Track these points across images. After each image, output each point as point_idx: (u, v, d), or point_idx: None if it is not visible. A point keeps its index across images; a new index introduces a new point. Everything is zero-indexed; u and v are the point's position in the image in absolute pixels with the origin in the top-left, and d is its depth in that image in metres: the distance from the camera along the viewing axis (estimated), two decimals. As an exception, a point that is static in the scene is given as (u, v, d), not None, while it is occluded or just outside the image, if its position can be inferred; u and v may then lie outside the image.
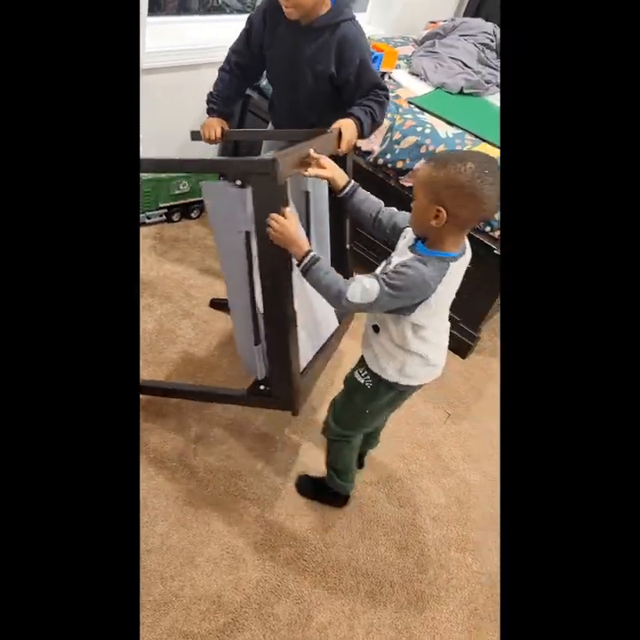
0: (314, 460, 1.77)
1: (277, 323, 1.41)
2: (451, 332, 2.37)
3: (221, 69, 1.85)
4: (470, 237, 2.12)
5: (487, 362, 2.40)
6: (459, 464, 1.94)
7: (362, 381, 1.38)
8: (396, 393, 1.38)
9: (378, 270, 1.25)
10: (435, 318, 1.24)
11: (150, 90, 2.29)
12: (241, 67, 1.82)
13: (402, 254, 1.21)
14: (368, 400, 1.40)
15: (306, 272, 1.22)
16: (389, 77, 2.61)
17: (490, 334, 2.53)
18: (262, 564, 1.50)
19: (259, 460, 1.74)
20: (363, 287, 1.15)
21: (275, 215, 1.24)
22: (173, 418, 1.78)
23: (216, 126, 1.83)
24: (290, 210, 1.28)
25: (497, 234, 2.12)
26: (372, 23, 3.24)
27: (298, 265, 1.23)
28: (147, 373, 1.88)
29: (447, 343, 1.37)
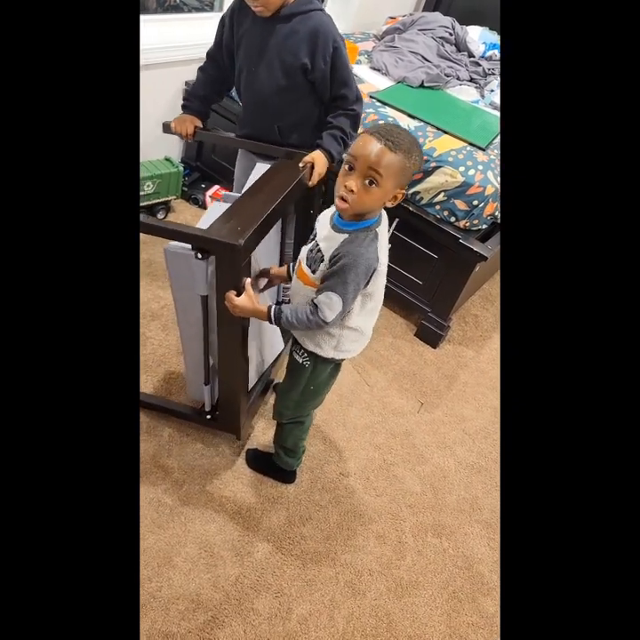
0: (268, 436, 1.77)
1: (231, 369, 1.48)
2: (421, 323, 2.43)
3: (200, 69, 1.84)
4: (436, 228, 2.18)
5: (457, 351, 2.43)
6: (433, 452, 1.96)
7: (300, 361, 1.40)
8: (334, 366, 1.42)
9: (303, 255, 1.29)
10: (375, 288, 1.25)
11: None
12: (217, 68, 1.80)
13: (329, 239, 1.22)
14: (310, 378, 1.42)
15: (278, 324, 1.27)
16: (350, 72, 2.62)
17: (460, 323, 2.57)
18: (240, 561, 1.50)
19: (233, 456, 1.74)
20: (328, 305, 1.18)
21: (229, 296, 1.27)
22: (145, 419, 1.76)
23: (188, 124, 1.81)
24: (249, 282, 1.29)
25: (462, 223, 2.15)
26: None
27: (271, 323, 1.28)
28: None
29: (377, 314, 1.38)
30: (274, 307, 1.26)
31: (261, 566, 1.51)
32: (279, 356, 1.94)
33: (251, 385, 1.71)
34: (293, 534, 1.60)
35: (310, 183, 1.67)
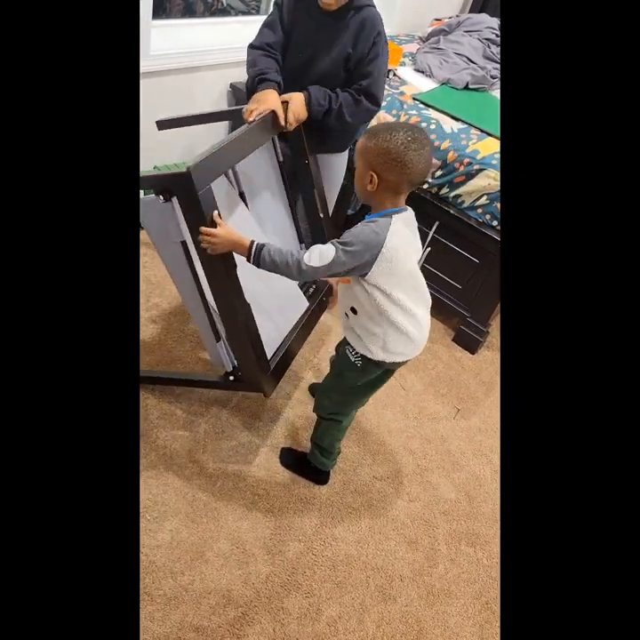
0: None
1: (232, 317, 1.45)
2: (459, 328, 2.39)
3: (254, 48, 1.74)
4: (478, 232, 2.14)
5: (496, 357, 2.38)
6: (468, 459, 1.93)
7: (352, 360, 1.41)
8: (385, 371, 1.44)
9: None
10: (401, 281, 1.27)
11: (156, 92, 2.32)
12: (272, 45, 1.74)
13: None
14: (358, 377, 1.45)
15: (258, 263, 1.27)
16: (394, 74, 2.61)
17: (499, 330, 2.52)
18: (272, 559, 1.51)
19: (268, 455, 1.75)
20: (319, 251, 1.24)
21: (203, 229, 1.28)
22: (182, 415, 1.79)
23: (274, 98, 1.63)
24: (217, 214, 1.30)
25: (504, 228, 2.11)
26: (376, 22, 3.24)
27: (248, 260, 1.28)
28: (156, 372, 1.90)
29: (428, 319, 1.39)
30: (257, 242, 1.28)
31: (292, 566, 1.51)
32: (308, 317, 1.86)
33: (274, 343, 1.68)
34: (325, 536, 1.60)
35: (286, 124, 1.62)
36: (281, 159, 1.89)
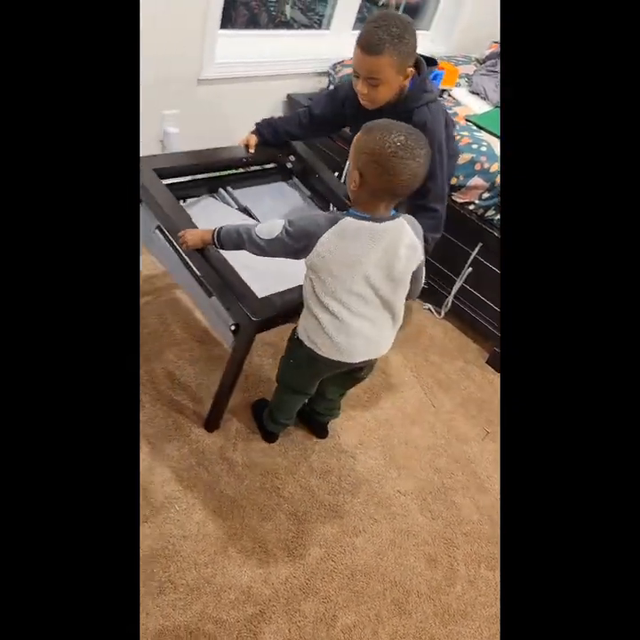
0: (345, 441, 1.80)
1: (206, 262, 1.52)
2: (493, 350, 2.38)
3: (302, 107, 1.92)
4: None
5: (530, 383, 2.37)
6: (494, 483, 1.92)
7: (293, 331, 1.49)
8: (309, 358, 1.42)
9: None
10: (331, 283, 1.27)
11: (217, 98, 2.40)
12: (313, 116, 1.82)
13: None
14: (289, 351, 1.52)
15: (221, 245, 1.40)
16: (449, 95, 2.64)
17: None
18: (292, 561, 1.54)
19: (295, 460, 1.78)
20: (270, 225, 1.30)
21: (179, 235, 1.48)
22: (216, 412, 1.84)
23: (250, 140, 1.90)
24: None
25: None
26: (435, 42, 3.28)
27: (214, 245, 1.41)
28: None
29: (366, 332, 1.35)
30: (217, 227, 1.40)
31: (311, 570, 1.54)
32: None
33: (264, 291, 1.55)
34: (345, 544, 1.62)
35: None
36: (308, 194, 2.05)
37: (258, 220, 1.86)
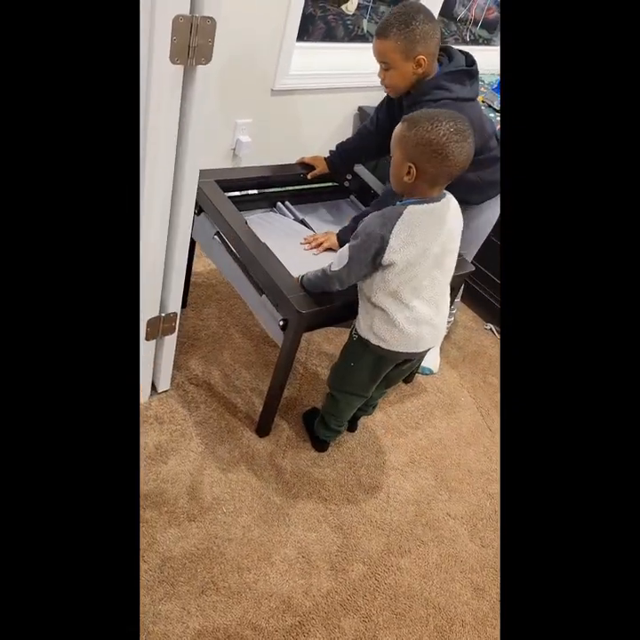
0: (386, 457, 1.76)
1: (254, 260, 1.56)
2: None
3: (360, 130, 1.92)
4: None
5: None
6: (551, 515, 1.83)
7: (352, 333, 1.47)
8: (375, 356, 1.43)
9: None
10: (400, 272, 1.28)
11: (292, 109, 2.44)
12: (378, 120, 1.83)
13: None
14: (350, 355, 1.50)
15: (307, 292, 1.47)
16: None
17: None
18: (334, 576, 1.52)
19: (344, 472, 1.76)
20: (339, 254, 1.34)
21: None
22: (269, 418, 1.85)
23: (317, 164, 1.92)
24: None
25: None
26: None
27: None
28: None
29: (431, 316, 1.38)
30: (299, 275, 1.49)
31: (354, 586, 1.51)
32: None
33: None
34: (390, 563, 1.58)
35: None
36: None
37: (314, 231, 1.87)
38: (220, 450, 1.71)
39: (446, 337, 2.30)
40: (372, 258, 1.29)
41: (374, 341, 1.40)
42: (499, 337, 2.47)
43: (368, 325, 1.40)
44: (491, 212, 1.87)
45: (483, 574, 1.63)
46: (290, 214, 1.94)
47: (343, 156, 1.92)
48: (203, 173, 1.74)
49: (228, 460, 1.69)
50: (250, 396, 1.89)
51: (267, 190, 1.98)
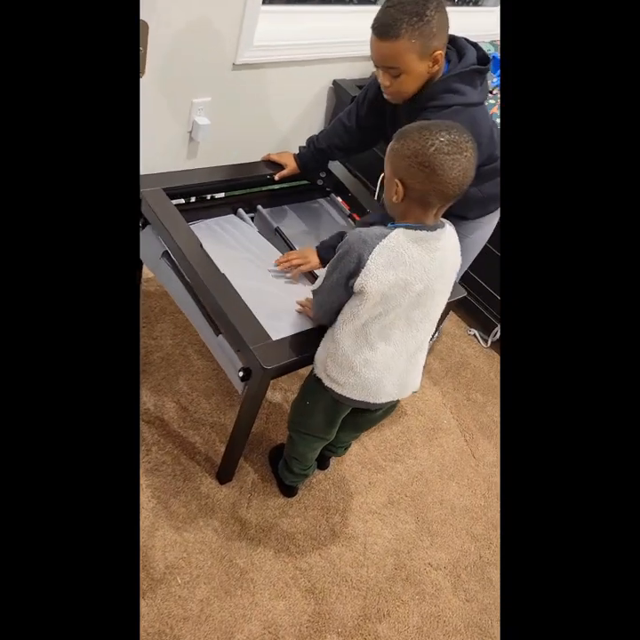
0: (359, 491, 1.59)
1: (210, 292, 1.30)
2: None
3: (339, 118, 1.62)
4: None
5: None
6: (538, 555, 1.70)
7: (311, 368, 1.29)
8: (330, 399, 1.25)
9: None
10: (368, 304, 1.10)
11: (257, 85, 2.12)
12: (358, 116, 1.56)
13: None
14: (307, 393, 1.33)
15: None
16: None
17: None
18: (305, 651, 1.36)
19: (316, 521, 1.58)
20: (319, 277, 1.20)
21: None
22: (231, 458, 1.64)
23: (286, 162, 1.67)
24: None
25: None
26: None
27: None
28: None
29: (394, 364, 1.19)
30: None
31: (327, 663, 1.35)
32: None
33: (276, 332, 1.29)
34: (367, 631, 1.43)
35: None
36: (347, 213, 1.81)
37: (290, 243, 1.62)
38: (175, 503, 1.50)
39: (428, 349, 2.10)
40: (345, 279, 1.11)
41: (327, 383, 1.22)
42: (483, 344, 2.29)
43: (322, 362, 1.22)
44: (488, 227, 1.64)
45: (467, 634, 1.49)
46: (251, 224, 1.67)
47: (316, 156, 1.65)
48: (146, 179, 1.47)
49: (183, 515, 1.48)
50: (209, 432, 1.67)
51: (228, 194, 1.70)
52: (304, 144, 1.68)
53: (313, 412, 1.33)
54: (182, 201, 1.61)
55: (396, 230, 1.08)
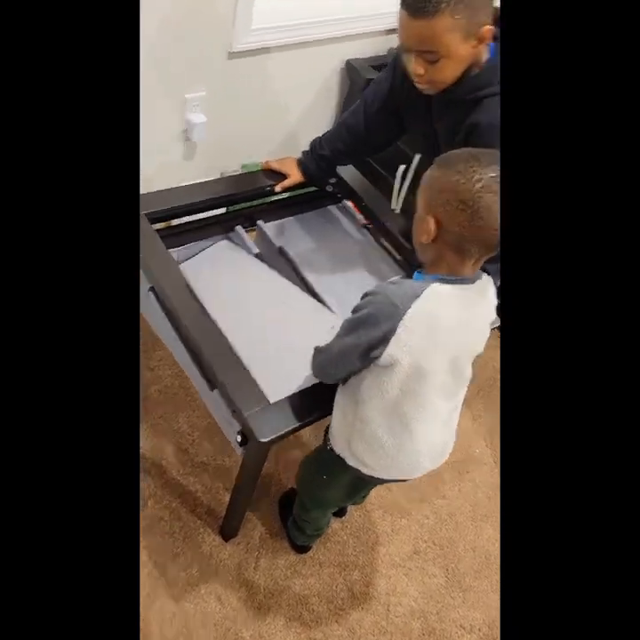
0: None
1: (203, 354, 1.11)
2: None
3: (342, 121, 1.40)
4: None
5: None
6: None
7: (326, 439, 1.11)
8: (353, 476, 1.07)
9: None
10: (402, 376, 0.91)
11: (258, 74, 1.88)
12: (366, 104, 1.33)
13: None
14: (322, 466, 1.15)
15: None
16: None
17: None
18: None
19: (332, 580, 1.41)
20: (318, 349, 1.00)
21: None
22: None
23: (288, 170, 1.45)
24: None
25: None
26: None
27: None
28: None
29: (430, 437, 1.00)
30: None
31: None
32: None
33: (276, 390, 1.12)
34: None
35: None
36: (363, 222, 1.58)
37: (296, 265, 1.41)
38: (173, 568, 1.34)
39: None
40: (365, 349, 0.90)
41: (352, 463, 1.05)
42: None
43: (345, 440, 1.03)
44: None
45: None
46: (259, 241, 1.46)
47: (320, 164, 1.42)
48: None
49: (183, 582, 1.33)
50: (212, 479, 1.51)
51: (224, 210, 1.49)
52: (307, 148, 1.46)
53: (330, 485, 1.16)
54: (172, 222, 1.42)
55: (431, 287, 0.89)
